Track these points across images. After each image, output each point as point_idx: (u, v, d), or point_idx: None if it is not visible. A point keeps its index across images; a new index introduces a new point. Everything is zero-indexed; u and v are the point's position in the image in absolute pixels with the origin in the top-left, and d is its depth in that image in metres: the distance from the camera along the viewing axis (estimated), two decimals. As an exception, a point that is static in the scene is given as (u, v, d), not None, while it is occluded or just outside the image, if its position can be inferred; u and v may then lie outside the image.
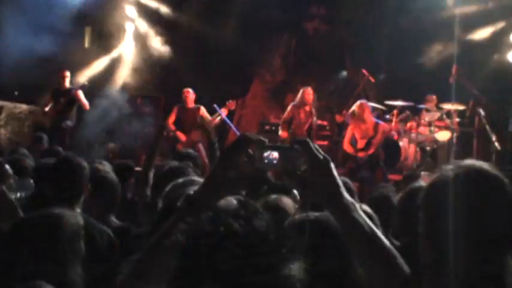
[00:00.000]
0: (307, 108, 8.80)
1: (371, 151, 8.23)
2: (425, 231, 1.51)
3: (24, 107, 10.34)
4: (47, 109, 9.41)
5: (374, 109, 9.76)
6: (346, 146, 8.42)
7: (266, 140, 1.43)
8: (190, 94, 9.21)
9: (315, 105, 9.06)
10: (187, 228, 1.20)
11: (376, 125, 8.32)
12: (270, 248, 1.03)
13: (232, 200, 1.37)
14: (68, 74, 9.56)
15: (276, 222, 1.10)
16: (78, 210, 2.66)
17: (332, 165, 1.40)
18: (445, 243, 1.43)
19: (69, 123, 9.33)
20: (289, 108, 8.98)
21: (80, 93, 9.32)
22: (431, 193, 1.53)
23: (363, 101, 8.64)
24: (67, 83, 9.53)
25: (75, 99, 9.29)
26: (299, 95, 9.01)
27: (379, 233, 1.38)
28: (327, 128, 10.66)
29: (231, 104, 9.03)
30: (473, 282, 1.42)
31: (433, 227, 1.49)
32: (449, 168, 1.52)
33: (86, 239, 1.83)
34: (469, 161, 1.52)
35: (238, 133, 9.82)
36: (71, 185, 2.70)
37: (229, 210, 1.11)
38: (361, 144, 8.31)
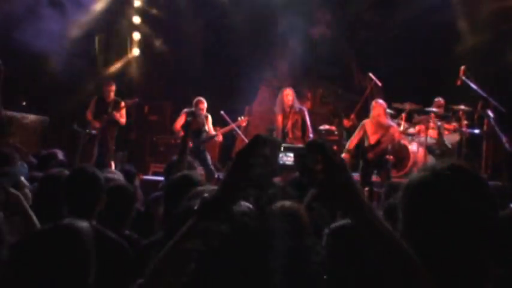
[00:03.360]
0: (287, 109, 8.61)
1: (380, 149, 8.00)
2: (404, 230, 1.51)
3: (32, 117, 10.39)
4: (90, 117, 9.58)
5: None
6: (349, 144, 8.22)
7: (281, 141, 1.43)
8: (204, 104, 9.15)
9: (297, 105, 8.71)
10: (206, 230, 1.20)
11: (388, 126, 8.18)
12: (287, 249, 1.04)
13: (248, 204, 1.36)
14: (114, 87, 9.76)
15: (290, 224, 1.10)
16: (94, 221, 2.65)
17: (347, 167, 1.39)
18: (424, 241, 1.44)
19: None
20: (278, 118, 8.78)
21: (122, 112, 9.58)
22: (409, 192, 1.53)
23: (379, 100, 8.39)
24: (112, 95, 9.70)
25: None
26: (278, 98, 8.87)
27: (396, 234, 1.37)
28: (335, 132, 10.63)
29: (243, 121, 9.12)
30: (453, 280, 1.42)
31: (411, 226, 1.49)
32: (427, 168, 1.53)
33: (101, 251, 1.81)
34: (448, 160, 1.53)
35: (246, 140, 9.84)
36: (87, 196, 2.69)
37: (245, 212, 1.11)
38: (372, 139, 8.10)
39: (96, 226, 2.63)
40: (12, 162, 4.31)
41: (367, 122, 8.20)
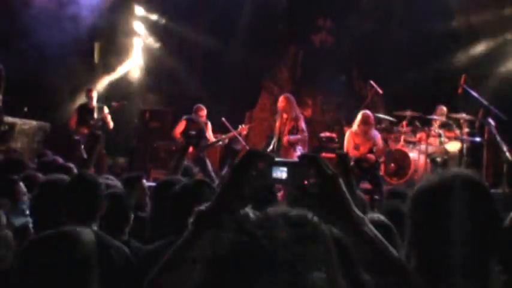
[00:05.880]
0: (284, 115, 8.55)
1: (375, 156, 8.06)
2: (412, 238, 1.53)
3: (33, 123, 10.40)
4: (74, 126, 9.64)
5: (382, 120, 9.74)
6: (351, 151, 8.20)
7: (274, 156, 1.45)
8: (204, 111, 9.20)
9: (293, 110, 8.53)
10: (211, 239, 1.21)
11: (374, 137, 8.26)
12: (293, 257, 1.04)
13: (253, 212, 1.37)
14: (95, 93, 9.87)
15: (296, 233, 1.10)
16: (95, 227, 2.65)
17: (341, 180, 1.40)
18: (431, 249, 1.46)
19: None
20: (277, 124, 8.69)
21: (108, 115, 9.66)
22: (417, 201, 1.54)
23: (366, 111, 8.47)
24: (94, 101, 9.76)
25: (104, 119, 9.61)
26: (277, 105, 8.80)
27: (389, 246, 1.38)
28: (336, 140, 10.63)
29: (243, 128, 9.14)
30: (459, 285, 1.43)
31: (419, 233, 1.51)
32: (434, 177, 1.55)
33: (103, 257, 1.81)
34: (454, 170, 1.55)
35: (247, 147, 9.84)
36: (88, 202, 2.69)
37: (251, 221, 1.11)
38: (363, 150, 8.18)
39: (97, 232, 2.63)
40: (23, 169, 4.37)
41: (353, 133, 8.21)
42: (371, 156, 8.05)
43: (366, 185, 8.26)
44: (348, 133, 8.38)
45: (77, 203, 2.71)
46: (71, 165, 5.01)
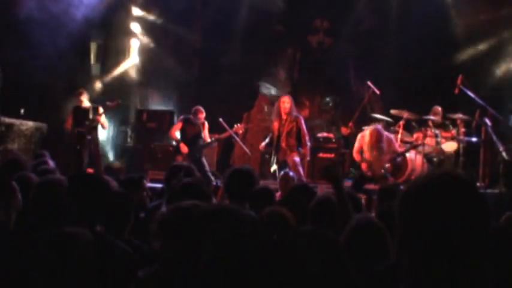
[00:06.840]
0: (284, 116, 8.47)
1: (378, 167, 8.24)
2: (402, 238, 1.52)
3: (30, 124, 10.39)
4: (69, 126, 9.64)
5: (379, 121, 9.77)
6: (355, 155, 8.53)
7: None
8: (203, 114, 9.15)
9: (294, 112, 8.51)
10: (205, 244, 1.22)
11: (389, 143, 8.36)
12: (280, 257, 1.05)
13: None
14: (85, 94, 9.79)
15: (280, 232, 1.12)
16: (98, 228, 2.64)
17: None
18: (419, 249, 1.45)
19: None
20: (275, 125, 8.60)
21: (103, 115, 9.64)
22: (405, 201, 1.54)
23: (378, 127, 8.46)
24: (86, 102, 9.71)
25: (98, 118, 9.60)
26: (275, 105, 8.81)
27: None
28: (333, 140, 10.65)
29: (239, 127, 9.13)
30: (448, 286, 1.43)
31: (408, 233, 1.50)
32: (422, 177, 1.54)
33: (104, 258, 1.81)
34: (443, 169, 1.56)
35: (244, 147, 9.85)
36: (91, 202, 2.67)
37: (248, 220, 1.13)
38: (368, 155, 8.30)
39: (99, 233, 2.60)
40: (25, 169, 4.38)
41: (364, 137, 8.36)
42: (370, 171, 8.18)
43: (371, 186, 8.35)
44: (358, 136, 8.57)
45: (81, 203, 2.68)
46: (54, 167, 5.01)
